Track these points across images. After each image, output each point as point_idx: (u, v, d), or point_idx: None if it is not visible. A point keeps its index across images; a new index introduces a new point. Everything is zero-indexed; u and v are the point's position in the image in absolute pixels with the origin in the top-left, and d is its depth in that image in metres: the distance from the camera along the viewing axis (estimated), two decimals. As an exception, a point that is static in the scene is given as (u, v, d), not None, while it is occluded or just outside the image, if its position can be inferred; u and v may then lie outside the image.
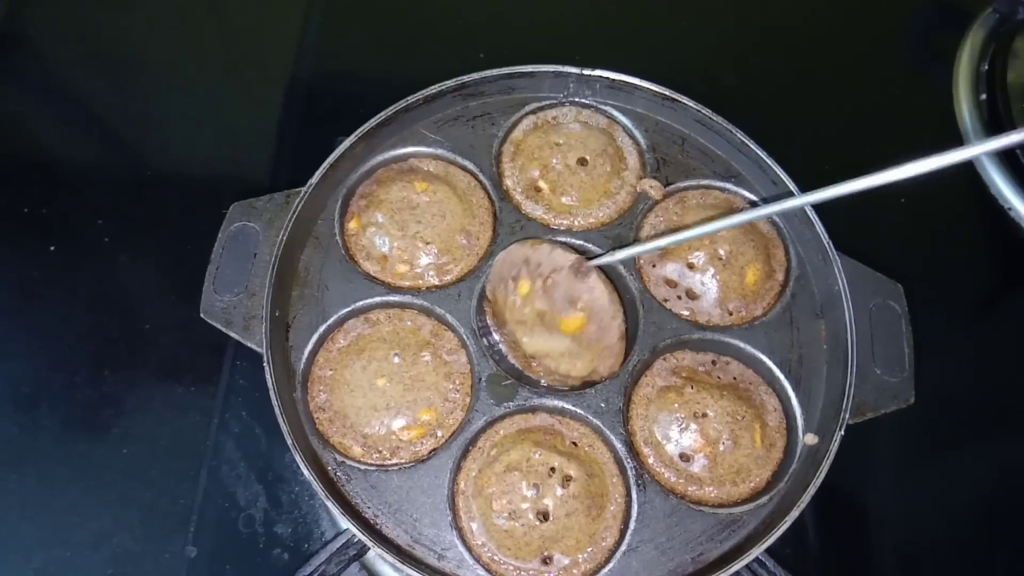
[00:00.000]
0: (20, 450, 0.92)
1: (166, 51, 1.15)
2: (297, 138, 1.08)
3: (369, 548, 0.74)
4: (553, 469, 0.74)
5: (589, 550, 0.73)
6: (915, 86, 1.19)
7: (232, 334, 0.78)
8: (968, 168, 1.10)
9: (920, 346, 0.81)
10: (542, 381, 0.83)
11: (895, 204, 1.08)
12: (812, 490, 0.72)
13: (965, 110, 1.13)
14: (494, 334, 0.84)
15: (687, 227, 0.71)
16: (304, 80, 1.13)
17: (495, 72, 0.88)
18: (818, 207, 0.83)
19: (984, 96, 1.13)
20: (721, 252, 0.83)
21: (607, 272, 0.85)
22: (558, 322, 0.78)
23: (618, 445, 0.77)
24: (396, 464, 0.76)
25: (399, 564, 0.70)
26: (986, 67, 1.15)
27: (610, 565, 0.73)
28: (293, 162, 1.06)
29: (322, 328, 0.80)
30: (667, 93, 0.88)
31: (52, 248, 1.01)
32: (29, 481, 0.90)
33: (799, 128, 1.11)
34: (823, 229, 0.82)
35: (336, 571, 0.80)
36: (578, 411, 0.78)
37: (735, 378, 0.82)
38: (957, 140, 1.11)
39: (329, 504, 0.70)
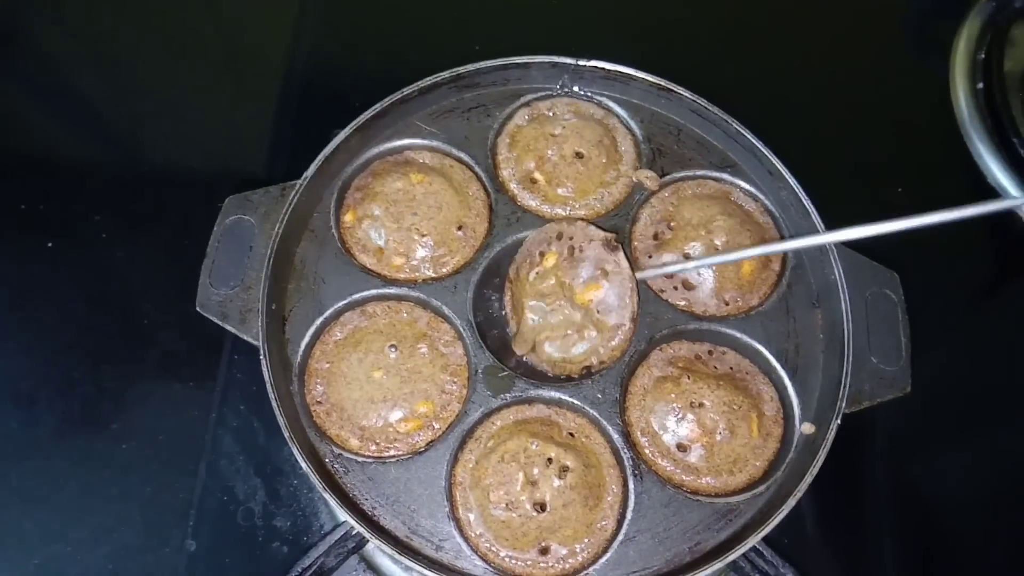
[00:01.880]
0: (20, 446, 0.92)
1: (162, 46, 1.15)
2: (293, 131, 1.08)
3: (368, 540, 0.74)
4: (550, 460, 0.74)
5: (586, 540, 0.74)
6: (912, 74, 1.18)
7: (228, 327, 0.78)
8: (966, 158, 1.10)
9: (917, 336, 0.81)
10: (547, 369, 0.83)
11: (893, 194, 1.08)
12: (809, 479, 0.72)
13: (962, 98, 1.13)
14: (506, 309, 0.85)
15: (736, 249, 0.79)
16: (299, 74, 1.13)
17: (490, 63, 0.88)
18: (814, 196, 0.83)
19: (981, 84, 1.13)
20: (717, 243, 0.83)
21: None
22: (576, 291, 0.79)
23: (615, 435, 0.77)
24: (393, 456, 0.76)
25: (397, 555, 0.70)
26: (983, 55, 1.14)
27: (607, 555, 0.73)
28: (289, 155, 1.06)
29: (318, 321, 0.80)
30: (662, 83, 0.88)
31: (50, 244, 1.01)
32: (29, 477, 0.91)
33: (795, 117, 1.10)
34: (819, 219, 0.82)
35: (335, 563, 0.80)
36: (575, 402, 0.78)
37: (732, 368, 0.82)
38: (954, 129, 1.11)
39: (327, 496, 0.71)
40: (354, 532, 0.78)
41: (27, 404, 0.94)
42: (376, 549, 0.86)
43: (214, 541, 0.88)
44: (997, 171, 1.08)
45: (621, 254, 0.79)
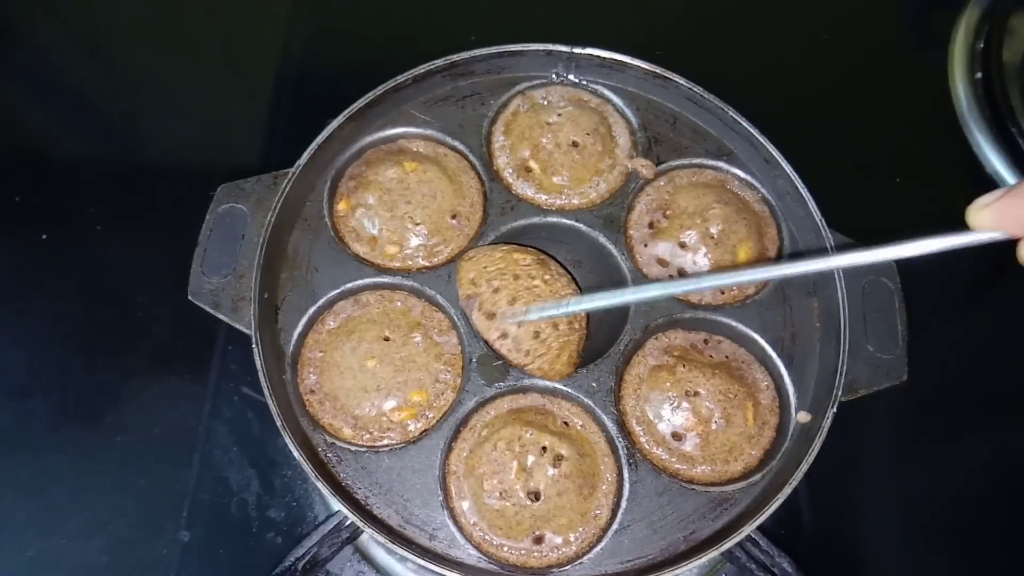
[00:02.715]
0: (14, 439, 0.92)
1: (156, 38, 1.15)
2: (288, 122, 1.08)
3: (362, 531, 0.73)
4: (544, 448, 0.73)
5: (581, 529, 0.73)
6: (910, 64, 1.18)
7: (220, 316, 0.77)
8: (964, 147, 1.09)
9: (915, 326, 0.80)
10: None
11: (890, 184, 1.07)
12: (804, 467, 0.72)
13: (960, 88, 1.13)
14: None
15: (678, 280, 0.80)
16: (294, 64, 1.13)
17: (485, 51, 0.87)
18: (811, 185, 0.83)
19: (979, 74, 1.12)
20: (713, 231, 0.83)
21: (596, 253, 0.85)
22: None
23: (609, 424, 0.77)
24: (387, 445, 0.76)
25: (390, 544, 0.69)
26: (982, 45, 1.14)
27: (602, 544, 0.73)
28: (284, 146, 1.05)
29: (312, 310, 0.80)
30: (658, 71, 0.87)
31: (44, 237, 1.01)
32: (23, 470, 0.91)
33: (793, 106, 1.10)
34: (815, 207, 0.82)
35: (329, 554, 0.80)
36: (569, 391, 0.78)
37: (727, 357, 0.81)
38: (953, 119, 1.11)
39: (319, 485, 0.70)
40: (347, 522, 0.78)
41: (21, 397, 0.93)
42: (370, 539, 0.86)
43: (208, 532, 0.87)
44: (995, 160, 1.08)
45: (472, 316, 0.77)
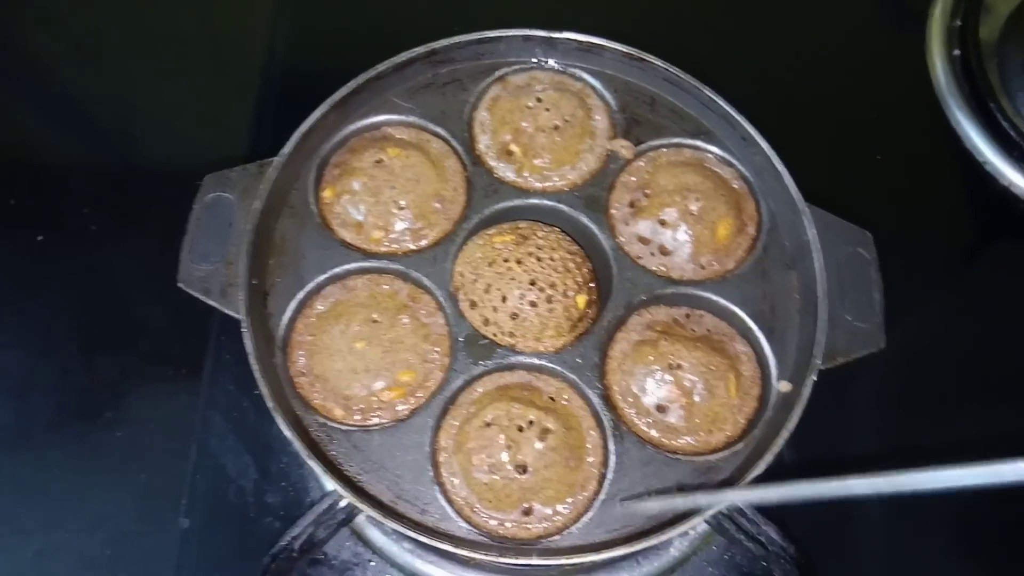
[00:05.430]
0: (15, 437, 0.93)
1: (145, 38, 1.16)
2: (275, 118, 1.09)
3: (357, 512, 0.75)
4: (531, 422, 0.75)
5: (569, 500, 0.74)
6: (887, 42, 1.19)
7: (210, 302, 0.78)
8: (943, 123, 1.10)
9: (895, 298, 0.82)
10: None
11: (870, 159, 1.09)
12: (785, 435, 0.73)
13: (938, 66, 1.14)
14: None
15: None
16: (279, 61, 1.14)
17: (464, 38, 0.88)
18: (790, 162, 0.84)
19: (957, 52, 1.13)
20: (693, 208, 0.84)
21: (579, 233, 0.86)
22: None
23: (595, 399, 0.78)
24: (377, 424, 0.77)
25: (382, 519, 0.70)
26: (959, 23, 1.15)
27: (589, 514, 0.74)
28: (271, 141, 1.04)
29: (300, 295, 0.81)
30: (635, 53, 0.88)
31: (40, 238, 1.02)
32: (25, 467, 0.92)
33: (771, 85, 1.11)
34: (792, 182, 0.83)
35: (325, 535, 0.81)
36: (555, 367, 0.79)
37: (709, 330, 0.82)
38: (931, 96, 1.12)
39: (311, 463, 0.71)
40: (342, 504, 0.79)
41: (21, 396, 0.95)
42: (366, 521, 0.88)
43: (207, 519, 0.89)
44: (974, 136, 1.09)
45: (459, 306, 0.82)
